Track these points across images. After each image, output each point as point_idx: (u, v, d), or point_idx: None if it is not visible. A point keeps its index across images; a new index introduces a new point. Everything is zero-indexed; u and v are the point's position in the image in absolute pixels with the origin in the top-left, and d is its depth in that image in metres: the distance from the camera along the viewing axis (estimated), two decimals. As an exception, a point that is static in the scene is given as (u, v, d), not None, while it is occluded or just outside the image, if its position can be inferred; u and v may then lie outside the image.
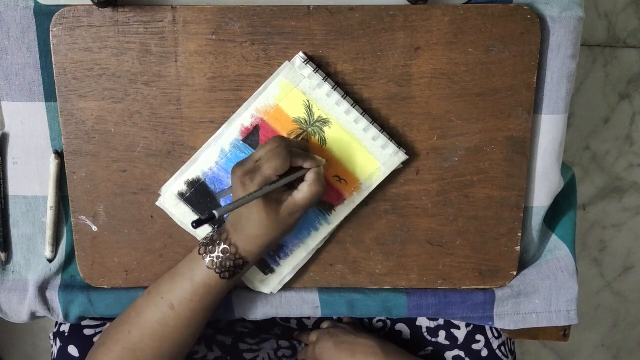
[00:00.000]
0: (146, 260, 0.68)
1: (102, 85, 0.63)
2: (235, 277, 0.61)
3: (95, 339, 0.72)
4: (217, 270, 0.59)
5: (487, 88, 0.64)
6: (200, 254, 0.60)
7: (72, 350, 0.71)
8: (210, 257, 0.60)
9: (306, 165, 0.59)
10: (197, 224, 0.50)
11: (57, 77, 0.63)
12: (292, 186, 0.59)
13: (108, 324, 0.73)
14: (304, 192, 0.58)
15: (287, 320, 0.81)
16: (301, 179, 0.59)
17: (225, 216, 0.67)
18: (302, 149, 0.61)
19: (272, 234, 0.59)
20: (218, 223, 0.66)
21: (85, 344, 0.71)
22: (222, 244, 0.59)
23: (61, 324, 0.74)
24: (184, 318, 0.61)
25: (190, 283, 0.60)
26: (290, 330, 0.82)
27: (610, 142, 1.34)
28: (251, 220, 0.58)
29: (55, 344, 0.73)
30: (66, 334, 0.72)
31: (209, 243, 0.60)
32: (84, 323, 0.73)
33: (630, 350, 1.52)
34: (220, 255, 0.59)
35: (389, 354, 0.69)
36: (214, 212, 0.50)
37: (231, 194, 0.66)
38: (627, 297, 1.46)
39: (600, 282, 1.45)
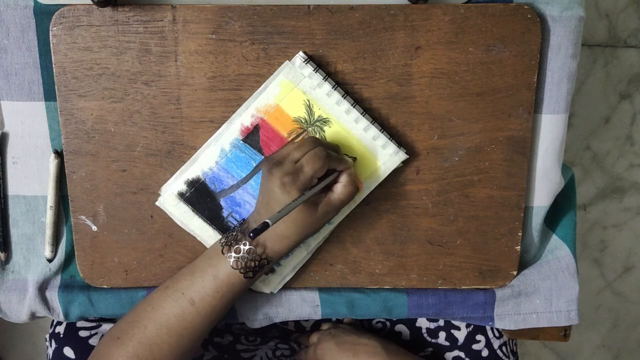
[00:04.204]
0: (146, 260, 0.68)
1: (102, 84, 0.63)
2: (257, 275, 0.61)
3: (90, 341, 0.71)
4: (242, 270, 0.59)
5: (488, 87, 0.64)
6: (223, 253, 0.60)
7: (68, 351, 0.70)
8: (235, 257, 0.59)
9: (340, 167, 0.60)
10: (254, 234, 0.52)
11: (57, 76, 0.63)
12: (325, 187, 0.60)
13: (104, 325, 0.73)
14: (338, 193, 0.60)
15: (284, 322, 0.81)
16: (334, 180, 0.60)
17: (235, 213, 0.67)
18: (333, 150, 0.61)
19: (304, 234, 0.60)
20: (220, 220, 0.66)
21: (81, 346, 0.71)
22: (248, 244, 0.59)
23: (56, 325, 0.74)
24: (204, 314, 0.60)
25: (213, 280, 0.60)
26: (288, 333, 0.82)
27: (610, 142, 1.34)
28: (285, 221, 0.58)
29: (51, 346, 0.73)
30: (61, 335, 0.72)
31: (233, 242, 0.60)
32: (79, 324, 0.72)
33: (630, 351, 1.51)
34: (246, 255, 0.59)
35: (391, 353, 0.68)
36: (268, 220, 0.52)
37: (231, 194, 0.66)
38: (627, 297, 1.46)
39: (601, 282, 1.45)
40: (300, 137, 0.64)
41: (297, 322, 0.82)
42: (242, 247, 0.59)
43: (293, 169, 0.57)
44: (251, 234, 0.52)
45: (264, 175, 0.59)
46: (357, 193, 0.61)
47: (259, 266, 0.60)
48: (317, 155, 0.58)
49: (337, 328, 0.75)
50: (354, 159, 0.65)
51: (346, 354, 0.69)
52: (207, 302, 0.60)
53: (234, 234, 0.61)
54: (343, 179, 0.60)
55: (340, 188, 0.60)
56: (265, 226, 0.52)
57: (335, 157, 0.60)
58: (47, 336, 0.75)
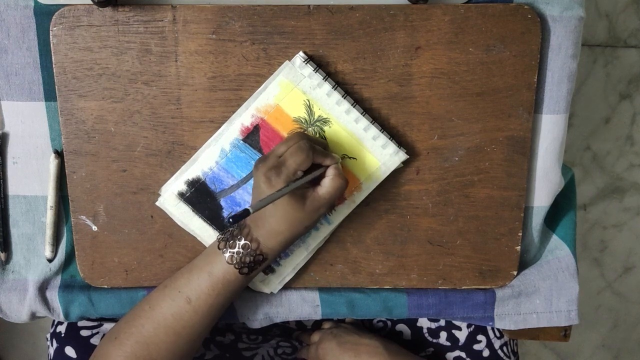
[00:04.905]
0: (146, 260, 0.68)
1: (102, 84, 0.63)
2: (253, 272, 0.61)
3: (92, 340, 0.71)
4: (237, 266, 0.59)
5: (488, 88, 0.64)
6: (219, 248, 0.60)
7: (69, 351, 0.71)
8: (230, 252, 0.59)
9: (326, 162, 0.60)
10: (233, 220, 0.51)
11: (57, 76, 0.63)
12: (315, 183, 0.60)
13: (105, 325, 0.73)
14: (327, 186, 0.59)
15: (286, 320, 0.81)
16: (322, 176, 0.60)
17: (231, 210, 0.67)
18: (321, 146, 0.61)
19: (296, 230, 0.60)
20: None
21: (82, 345, 0.71)
22: (243, 239, 0.59)
23: (57, 325, 0.74)
24: (200, 312, 0.60)
25: (209, 277, 0.60)
26: (289, 330, 0.82)
27: (610, 142, 1.34)
28: (275, 216, 0.58)
29: (52, 345, 0.73)
30: (63, 335, 0.72)
31: (229, 238, 0.60)
32: (80, 324, 0.72)
33: (630, 351, 1.51)
34: (241, 250, 0.59)
35: (392, 354, 0.68)
36: (249, 208, 0.51)
37: (232, 194, 0.66)
38: (627, 297, 1.46)
39: (601, 283, 1.45)
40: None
41: (298, 321, 0.82)
42: (237, 242, 0.59)
43: (276, 163, 0.58)
44: (230, 220, 0.51)
45: (253, 173, 0.60)
46: (346, 187, 0.61)
47: (254, 262, 0.60)
48: (300, 147, 0.58)
49: (338, 327, 0.75)
50: (353, 158, 0.65)
51: (348, 353, 0.69)
52: (203, 300, 0.60)
53: (231, 229, 0.61)
54: (330, 172, 0.60)
55: (327, 182, 0.59)
56: (245, 213, 0.51)
57: (321, 151, 0.60)
58: (48, 336, 0.75)
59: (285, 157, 0.58)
